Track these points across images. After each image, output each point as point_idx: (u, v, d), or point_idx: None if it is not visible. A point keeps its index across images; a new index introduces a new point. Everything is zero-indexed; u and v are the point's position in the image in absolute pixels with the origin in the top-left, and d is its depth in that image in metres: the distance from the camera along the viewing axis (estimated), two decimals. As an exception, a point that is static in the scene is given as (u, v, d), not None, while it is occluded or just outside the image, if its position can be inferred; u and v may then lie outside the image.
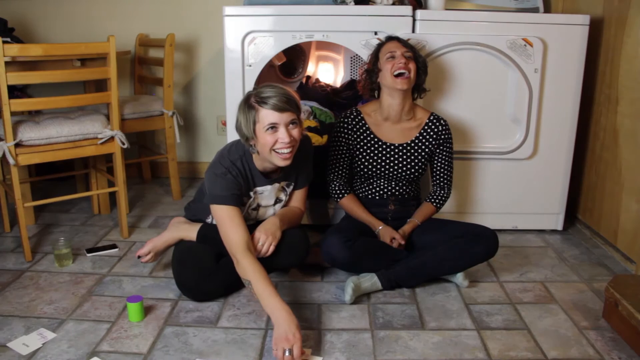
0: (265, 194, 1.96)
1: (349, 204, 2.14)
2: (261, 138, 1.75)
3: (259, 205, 1.98)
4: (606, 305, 1.81)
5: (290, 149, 1.76)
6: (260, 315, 1.81)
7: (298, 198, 2.06)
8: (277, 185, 1.97)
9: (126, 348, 1.62)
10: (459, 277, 1.99)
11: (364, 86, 2.14)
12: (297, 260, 1.97)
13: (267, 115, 1.72)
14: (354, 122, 2.11)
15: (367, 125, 2.11)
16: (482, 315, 1.83)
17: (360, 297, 1.92)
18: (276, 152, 1.76)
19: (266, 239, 1.84)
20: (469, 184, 2.49)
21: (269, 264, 1.85)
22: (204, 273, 1.87)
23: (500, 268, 2.19)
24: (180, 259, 1.93)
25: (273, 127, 1.73)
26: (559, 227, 2.56)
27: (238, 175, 1.83)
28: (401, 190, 2.14)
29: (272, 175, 1.93)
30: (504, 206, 2.52)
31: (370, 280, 1.93)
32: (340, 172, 2.14)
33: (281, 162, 1.78)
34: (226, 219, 1.79)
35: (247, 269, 1.71)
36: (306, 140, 2.02)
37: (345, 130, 2.12)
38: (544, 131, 2.42)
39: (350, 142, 2.11)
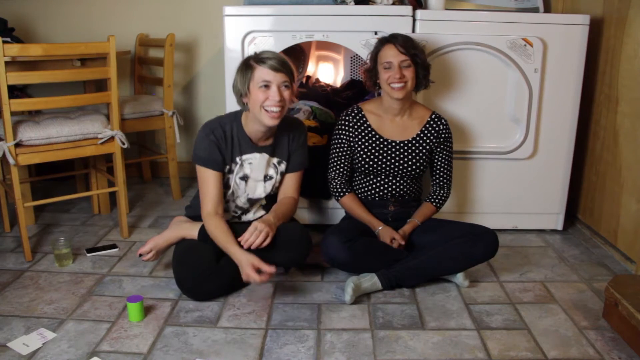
0: (254, 163, 1.98)
1: (350, 203, 2.14)
2: (253, 94, 1.84)
3: (246, 176, 1.99)
4: (606, 305, 1.81)
5: (279, 108, 1.84)
6: (260, 315, 1.81)
7: (291, 184, 2.06)
8: (266, 156, 1.99)
9: (126, 348, 1.62)
10: (460, 277, 1.99)
11: (366, 83, 2.15)
12: (297, 257, 1.97)
13: (262, 73, 1.83)
14: (355, 120, 2.12)
15: (368, 122, 2.11)
16: (482, 315, 1.84)
17: (360, 297, 1.92)
18: (265, 110, 1.84)
19: (263, 227, 1.84)
20: (469, 183, 2.49)
21: (270, 261, 1.85)
22: (204, 272, 1.87)
23: (500, 268, 2.19)
24: (181, 258, 1.93)
25: (266, 85, 1.83)
26: (559, 227, 2.56)
27: (221, 138, 1.92)
28: (401, 191, 2.14)
29: (260, 143, 1.98)
30: (503, 206, 2.52)
31: (370, 280, 1.93)
32: (341, 170, 2.15)
33: (269, 121, 1.85)
34: (203, 179, 1.94)
35: (211, 228, 1.90)
36: (300, 124, 2.09)
37: (347, 128, 2.12)
38: (544, 131, 2.42)
39: (352, 139, 2.12)
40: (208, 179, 1.93)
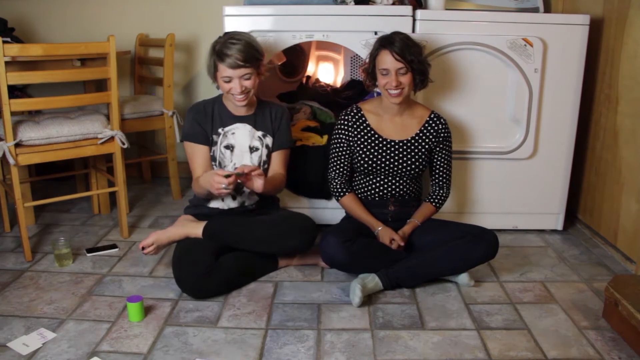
0: (237, 133, 2.08)
1: (349, 203, 2.14)
2: (219, 83, 2.02)
3: (231, 146, 2.07)
4: (606, 305, 1.81)
5: (244, 95, 1.99)
6: (260, 315, 1.81)
7: (278, 162, 2.15)
8: (248, 126, 2.09)
9: (126, 348, 1.62)
10: (465, 278, 1.99)
11: (365, 82, 2.15)
12: (302, 244, 2.02)
13: (223, 69, 1.97)
14: (354, 119, 2.12)
15: (367, 122, 2.11)
16: (482, 315, 1.84)
17: (360, 297, 1.92)
18: (232, 94, 2.00)
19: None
20: (469, 184, 2.49)
21: (274, 247, 2.01)
22: (203, 271, 1.88)
23: (500, 268, 2.19)
24: (181, 256, 1.94)
25: (228, 80, 1.98)
26: (559, 227, 2.56)
27: (199, 112, 2.08)
28: (401, 191, 2.13)
29: (240, 114, 2.10)
30: (504, 206, 2.52)
31: (372, 281, 1.93)
32: (341, 170, 2.15)
33: (237, 103, 2.02)
34: (190, 154, 2.09)
35: (201, 181, 1.97)
36: (280, 104, 2.25)
37: (346, 128, 2.12)
38: (544, 131, 2.42)
39: (351, 139, 2.12)
40: (195, 152, 2.07)
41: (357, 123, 2.11)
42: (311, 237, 2.03)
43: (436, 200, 2.16)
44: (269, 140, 2.12)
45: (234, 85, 1.97)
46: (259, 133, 2.11)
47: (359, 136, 2.11)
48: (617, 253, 2.30)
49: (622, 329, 1.70)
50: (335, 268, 2.04)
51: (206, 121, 2.08)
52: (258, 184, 1.90)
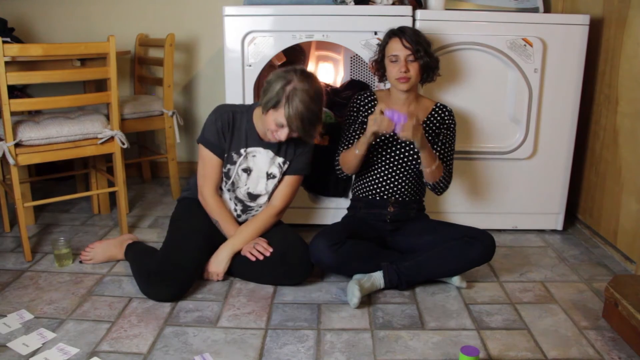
0: (257, 157, 2.01)
1: (344, 155, 2.09)
2: (268, 119, 1.88)
3: (249, 169, 2.02)
4: (606, 305, 1.81)
5: (282, 140, 1.92)
6: (260, 315, 1.81)
7: (282, 189, 2.06)
8: (270, 153, 2.02)
9: (126, 348, 1.62)
10: (457, 279, 1.99)
11: (375, 74, 2.16)
12: (298, 282, 2.01)
13: (283, 117, 1.83)
14: (366, 101, 2.12)
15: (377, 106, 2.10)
16: (482, 315, 1.84)
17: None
18: (272, 133, 1.91)
19: (213, 275, 2.02)
20: (469, 184, 2.49)
21: (271, 283, 2.02)
22: (150, 277, 1.90)
23: (500, 268, 2.19)
24: (158, 274, 1.90)
25: (282, 125, 1.86)
26: (559, 227, 2.56)
27: (225, 126, 1.99)
28: (402, 188, 2.11)
29: (266, 139, 2.00)
30: (504, 206, 2.52)
31: (369, 281, 1.92)
32: (349, 147, 2.11)
33: (272, 139, 1.94)
34: (206, 161, 2.02)
35: (215, 210, 2.03)
36: None
37: (358, 107, 2.13)
38: (544, 131, 2.42)
39: (361, 118, 2.11)
40: (212, 162, 2.01)
41: (369, 105, 2.11)
42: (307, 272, 2.00)
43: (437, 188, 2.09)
44: (286, 167, 2.06)
45: (282, 133, 1.87)
46: (280, 160, 2.03)
47: (367, 118, 2.08)
48: (617, 253, 2.30)
49: (622, 329, 1.70)
50: (325, 270, 2.04)
51: (231, 136, 2.00)
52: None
